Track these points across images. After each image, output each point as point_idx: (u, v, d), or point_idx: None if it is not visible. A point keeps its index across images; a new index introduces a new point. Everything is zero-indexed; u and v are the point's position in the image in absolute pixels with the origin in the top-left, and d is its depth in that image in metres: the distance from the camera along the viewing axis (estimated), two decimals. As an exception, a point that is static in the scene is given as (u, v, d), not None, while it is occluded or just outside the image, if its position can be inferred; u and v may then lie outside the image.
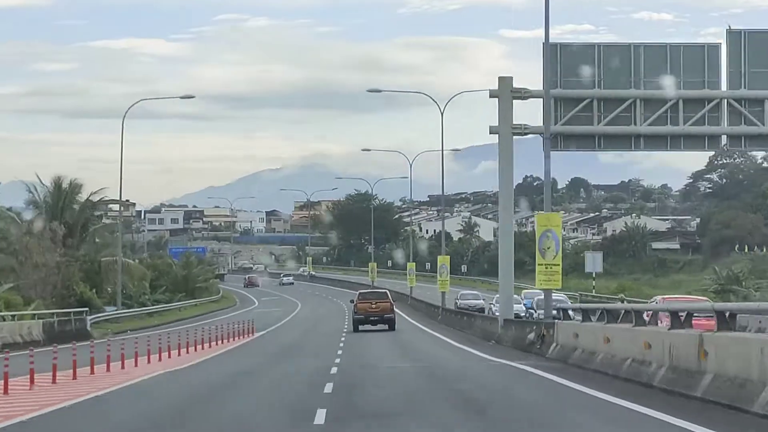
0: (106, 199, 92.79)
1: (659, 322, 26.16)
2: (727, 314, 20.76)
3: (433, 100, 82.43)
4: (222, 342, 56.68)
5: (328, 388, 27.22)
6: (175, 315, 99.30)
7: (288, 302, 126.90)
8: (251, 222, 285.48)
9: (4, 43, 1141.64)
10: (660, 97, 51.34)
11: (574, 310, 37.04)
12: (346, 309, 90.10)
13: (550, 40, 46.85)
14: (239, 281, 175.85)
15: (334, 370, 33.98)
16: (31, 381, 28.91)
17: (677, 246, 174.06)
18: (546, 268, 42.27)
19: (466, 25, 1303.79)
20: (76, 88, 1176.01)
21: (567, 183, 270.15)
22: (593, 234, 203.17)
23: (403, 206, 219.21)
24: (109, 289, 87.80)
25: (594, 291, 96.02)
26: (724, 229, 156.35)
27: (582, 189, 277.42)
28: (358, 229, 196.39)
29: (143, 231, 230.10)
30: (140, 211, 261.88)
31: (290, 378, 32.18)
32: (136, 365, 38.58)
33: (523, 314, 64.41)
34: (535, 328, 41.47)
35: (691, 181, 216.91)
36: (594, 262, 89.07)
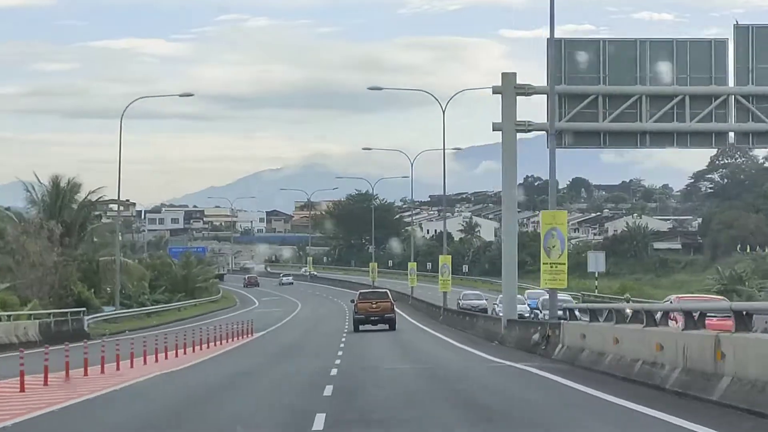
0: (105, 198, 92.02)
1: (675, 322, 25.21)
2: (744, 314, 19.82)
3: (435, 98, 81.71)
4: (221, 342, 55.98)
5: (328, 390, 26.41)
6: (175, 315, 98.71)
7: (288, 302, 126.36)
8: (251, 222, 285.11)
9: (4, 43, 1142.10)
10: (666, 93, 50.52)
11: (580, 310, 35.99)
12: (347, 309, 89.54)
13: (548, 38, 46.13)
14: (239, 281, 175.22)
15: (334, 371, 33.19)
16: (22, 383, 28.01)
17: (679, 246, 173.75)
18: (551, 267, 41.30)
19: (466, 25, 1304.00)
20: (77, 88, 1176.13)
21: (568, 183, 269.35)
22: (594, 234, 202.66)
23: (404, 206, 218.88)
24: (108, 289, 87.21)
25: (597, 291, 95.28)
26: (726, 229, 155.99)
27: (583, 189, 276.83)
28: (359, 229, 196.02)
29: (143, 231, 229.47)
30: (140, 211, 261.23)
31: (289, 380, 31.40)
32: (131, 366, 37.75)
33: (527, 314, 63.61)
34: (539, 328, 40.55)
35: (692, 181, 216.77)
36: (597, 261, 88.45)
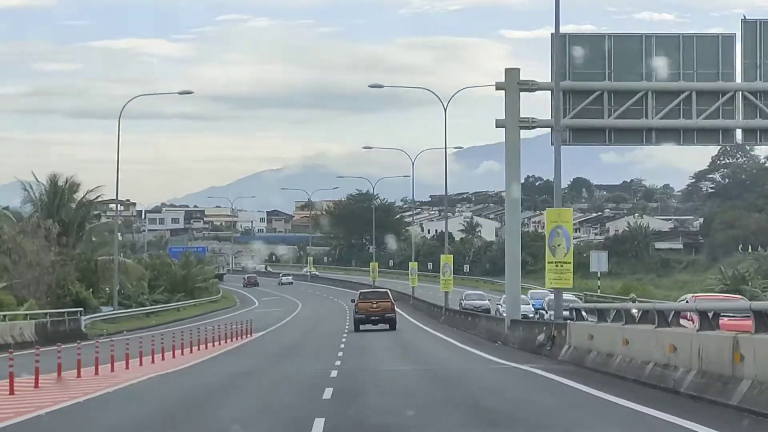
0: (104, 197, 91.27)
1: (692, 323, 24.21)
2: (765, 314, 18.86)
3: (437, 96, 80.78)
4: (219, 343, 55.18)
5: (328, 393, 25.54)
6: (174, 315, 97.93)
7: (288, 302, 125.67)
8: (252, 222, 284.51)
9: (5, 43, 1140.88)
10: (672, 89, 49.67)
11: (587, 310, 34.94)
12: (348, 309, 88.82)
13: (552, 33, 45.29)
14: (239, 281, 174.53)
15: (334, 373, 32.34)
16: (11, 385, 27.10)
17: (680, 246, 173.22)
18: (556, 266, 40.28)
19: (466, 25, 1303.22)
20: (77, 88, 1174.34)
21: (569, 183, 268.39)
22: (596, 234, 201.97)
23: (405, 206, 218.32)
24: (107, 289, 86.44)
25: (599, 291, 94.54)
26: (728, 229, 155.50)
27: (584, 189, 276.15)
28: (360, 229, 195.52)
29: (143, 231, 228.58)
30: (141, 210, 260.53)
31: (287, 382, 30.54)
32: (127, 367, 36.89)
33: (531, 315, 62.73)
34: (545, 329, 39.58)
35: (693, 180, 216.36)
36: (599, 261, 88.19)
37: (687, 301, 34.29)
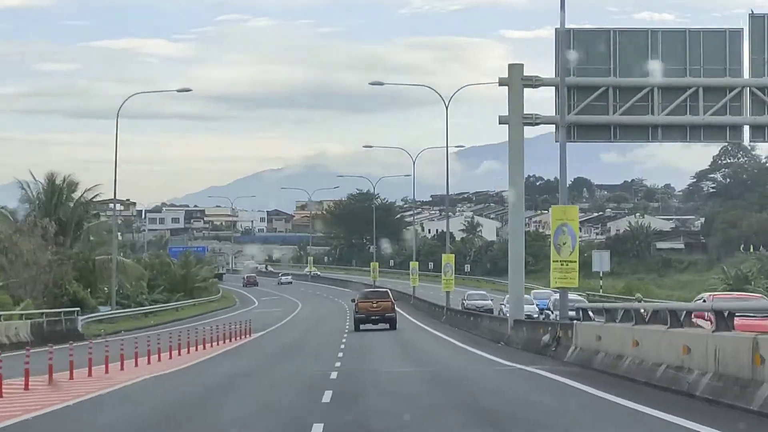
0: (102, 195, 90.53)
1: (710, 323, 23.24)
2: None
3: (438, 93, 79.96)
4: (218, 343, 54.37)
5: (327, 396, 24.64)
6: (172, 315, 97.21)
7: (288, 302, 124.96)
8: (252, 222, 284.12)
9: (5, 43, 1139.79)
10: (679, 85, 48.73)
11: (593, 310, 33.94)
12: (348, 309, 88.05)
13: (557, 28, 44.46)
14: (239, 281, 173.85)
15: (333, 375, 31.47)
16: (-1, 388, 26.24)
17: (682, 246, 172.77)
18: (561, 265, 39.33)
19: (467, 25, 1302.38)
20: (77, 88, 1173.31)
21: (570, 183, 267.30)
22: (597, 234, 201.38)
23: (405, 206, 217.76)
24: (106, 288, 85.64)
25: (601, 291, 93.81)
26: (730, 229, 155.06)
27: (585, 189, 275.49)
28: (360, 228, 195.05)
29: (144, 230, 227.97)
30: (141, 210, 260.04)
31: (286, 384, 29.59)
32: (122, 369, 35.98)
33: (536, 315, 61.77)
34: (550, 329, 38.63)
35: (694, 180, 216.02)
36: (601, 261, 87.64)
37: (704, 300, 33.26)
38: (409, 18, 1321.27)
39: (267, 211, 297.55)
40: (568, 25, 44.17)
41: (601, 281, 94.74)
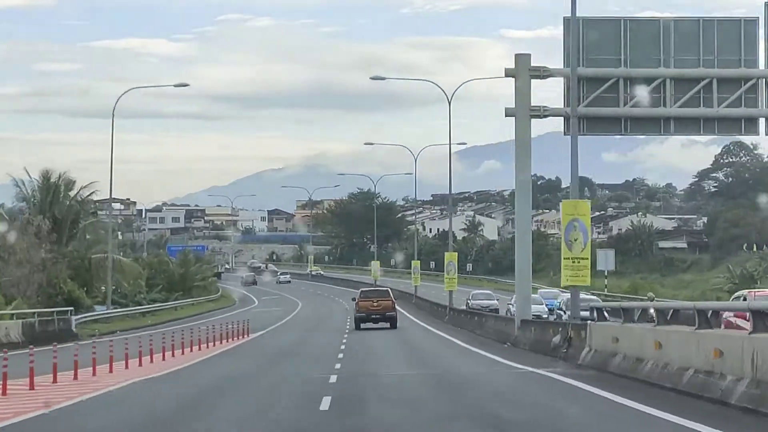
0: (101, 194, 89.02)
1: (747, 325, 21.31)
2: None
3: (441, 88, 78.30)
4: (214, 344, 52.67)
5: (325, 403, 22.84)
6: (170, 314, 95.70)
7: (288, 301, 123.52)
8: (253, 221, 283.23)
9: (6, 43, 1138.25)
10: (692, 76, 46.90)
11: (609, 310, 32.06)
12: (348, 309, 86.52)
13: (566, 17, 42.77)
14: (238, 280, 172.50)
15: (333, 378, 29.74)
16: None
17: (684, 245, 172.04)
18: (573, 262, 37.47)
19: (468, 25, 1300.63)
20: (78, 88, 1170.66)
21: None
22: (599, 233, 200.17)
23: (406, 205, 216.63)
24: (103, 288, 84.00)
25: (606, 290, 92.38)
26: (733, 228, 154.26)
27: (586, 188, 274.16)
28: (361, 227, 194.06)
29: (144, 230, 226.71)
30: (141, 209, 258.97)
31: (281, 390, 27.48)
32: (111, 371, 34.17)
33: (545, 315, 59.99)
34: (560, 329, 36.79)
35: (696, 180, 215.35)
36: (606, 259, 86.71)
37: (745, 298, 31.35)
38: (410, 17, 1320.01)
39: (267, 211, 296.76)
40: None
41: (605, 280, 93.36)
